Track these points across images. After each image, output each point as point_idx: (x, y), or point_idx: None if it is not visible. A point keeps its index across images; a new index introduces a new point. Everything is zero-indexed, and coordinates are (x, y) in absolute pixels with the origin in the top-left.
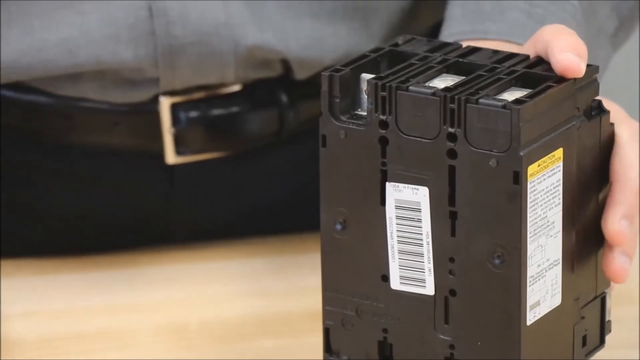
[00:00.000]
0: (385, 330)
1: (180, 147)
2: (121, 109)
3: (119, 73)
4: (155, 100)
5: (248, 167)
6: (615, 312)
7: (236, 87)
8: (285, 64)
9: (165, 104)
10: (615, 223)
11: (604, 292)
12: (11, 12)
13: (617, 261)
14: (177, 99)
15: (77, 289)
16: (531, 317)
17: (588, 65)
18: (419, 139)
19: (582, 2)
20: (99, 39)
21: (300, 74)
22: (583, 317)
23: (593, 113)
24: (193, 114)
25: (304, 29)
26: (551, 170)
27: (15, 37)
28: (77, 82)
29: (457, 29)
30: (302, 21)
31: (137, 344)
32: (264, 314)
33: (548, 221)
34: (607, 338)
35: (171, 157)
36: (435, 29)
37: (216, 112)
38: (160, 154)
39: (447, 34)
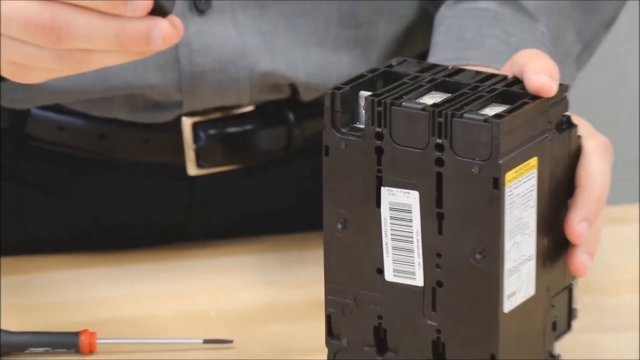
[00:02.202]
0: (380, 317)
1: (201, 161)
2: (149, 129)
3: (147, 96)
4: (178, 120)
5: (260, 178)
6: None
7: (249, 108)
8: (293, 87)
9: (187, 124)
10: (575, 225)
11: (571, 284)
12: None
13: (579, 258)
14: (197, 118)
15: (111, 281)
16: (508, 305)
17: (559, 85)
18: (410, 148)
19: (550, 29)
20: (130, 66)
21: (307, 96)
22: (553, 306)
23: (563, 127)
24: (211, 131)
25: (311, 58)
26: (526, 177)
27: None
28: (110, 104)
29: (443, 56)
30: (309, 50)
31: (162, 328)
32: (274, 302)
33: (524, 221)
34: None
35: (192, 169)
36: (424, 56)
37: (231, 130)
38: (183, 166)
39: (434, 60)
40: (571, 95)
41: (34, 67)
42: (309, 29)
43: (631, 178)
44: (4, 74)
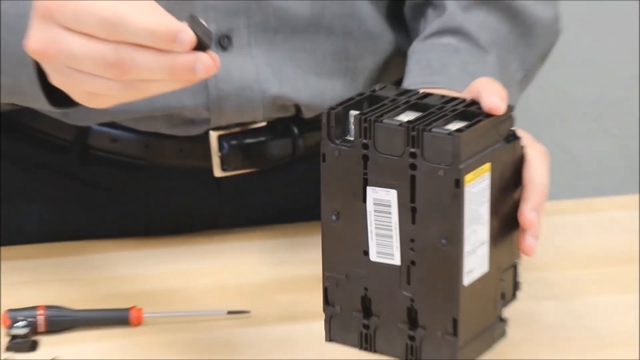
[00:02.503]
0: (365, 289)
1: (224, 165)
2: (183, 140)
3: (182, 115)
4: (206, 134)
5: (271, 179)
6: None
7: (262, 123)
8: (297, 107)
9: (213, 136)
10: (527, 214)
11: (516, 262)
12: None
13: (528, 241)
14: (221, 132)
15: (155, 260)
16: (467, 280)
17: (507, 105)
18: (389, 156)
19: (499, 59)
20: (169, 91)
21: (308, 114)
22: (502, 280)
23: (510, 139)
24: (233, 142)
25: (311, 84)
26: (481, 178)
27: None
28: (153, 121)
29: (414, 81)
30: (309, 78)
31: (193, 298)
32: (282, 277)
33: (479, 213)
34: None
35: (218, 172)
36: (399, 82)
37: (248, 141)
38: (210, 169)
39: (407, 84)
40: (581, 95)
41: (103, 95)
42: (309, 61)
43: (632, 170)
44: (78, 101)
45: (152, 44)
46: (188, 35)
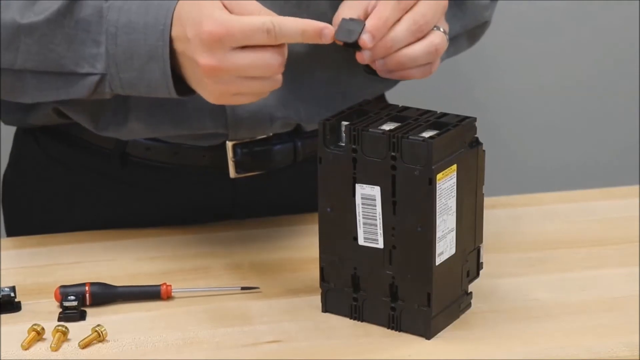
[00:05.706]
0: (355, 268)
1: (238, 168)
2: (206, 149)
3: (205, 132)
4: (224, 144)
5: (277, 179)
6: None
7: (270, 134)
8: (298, 124)
9: (229, 145)
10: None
11: (479, 246)
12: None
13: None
14: (236, 142)
15: (182, 244)
16: (438, 260)
17: (468, 118)
18: (374, 159)
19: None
20: (196, 117)
21: (307, 128)
22: (467, 260)
23: (473, 145)
24: (245, 150)
25: (310, 109)
26: (449, 177)
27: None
28: (180, 136)
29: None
30: (309, 105)
31: (213, 276)
32: (288, 259)
33: (448, 206)
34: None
35: (233, 174)
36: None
37: (258, 148)
38: (227, 172)
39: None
40: (581, 83)
41: (245, 96)
42: (308, 90)
43: (632, 163)
44: (214, 101)
45: (303, 41)
46: (329, 30)
